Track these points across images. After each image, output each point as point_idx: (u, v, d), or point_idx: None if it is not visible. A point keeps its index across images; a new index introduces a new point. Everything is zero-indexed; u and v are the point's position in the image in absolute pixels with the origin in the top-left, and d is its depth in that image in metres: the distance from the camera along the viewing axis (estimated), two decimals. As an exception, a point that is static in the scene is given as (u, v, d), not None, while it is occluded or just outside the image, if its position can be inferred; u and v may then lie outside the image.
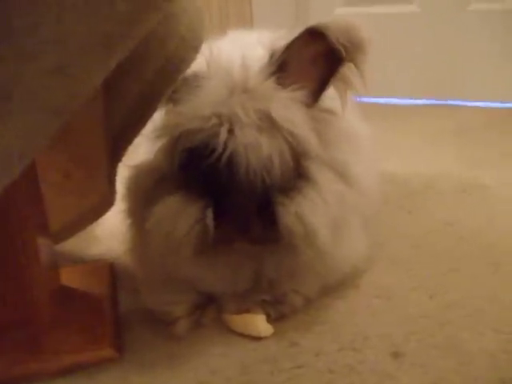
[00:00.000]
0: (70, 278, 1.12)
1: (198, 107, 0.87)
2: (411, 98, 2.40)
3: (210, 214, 0.86)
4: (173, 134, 0.89)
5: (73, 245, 1.30)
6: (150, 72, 0.87)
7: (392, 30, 2.38)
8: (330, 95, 0.98)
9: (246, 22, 2.40)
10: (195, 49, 0.86)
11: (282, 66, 0.92)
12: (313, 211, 0.88)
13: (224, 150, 0.84)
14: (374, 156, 1.21)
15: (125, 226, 1.04)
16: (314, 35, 0.90)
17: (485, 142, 1.86)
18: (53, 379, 0.89)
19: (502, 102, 2.22)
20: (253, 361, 0.89)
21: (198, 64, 0.96)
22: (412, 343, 0.89)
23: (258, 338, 0.94)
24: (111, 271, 1.19)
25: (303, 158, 0.91)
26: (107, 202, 1.16)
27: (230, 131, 0.85)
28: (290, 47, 0.92)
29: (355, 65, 0.93)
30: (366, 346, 0.90)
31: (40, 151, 0.75)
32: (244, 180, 0.85)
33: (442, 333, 0.91)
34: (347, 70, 0.94)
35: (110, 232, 1.33)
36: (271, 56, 0.93)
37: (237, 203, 0.85)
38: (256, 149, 0.84)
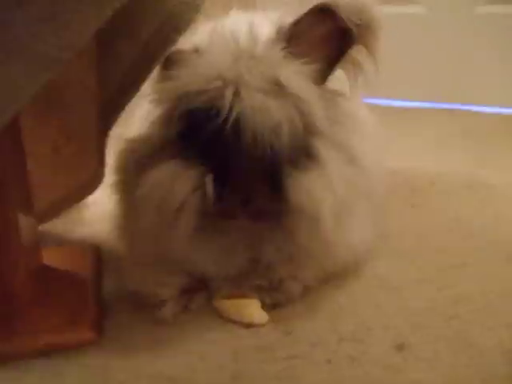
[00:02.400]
0: (54, 258, 1.05)
1: (201, 69, 0.81)
2: (415, 101, 2.34)
3: (209, 180, 0.79)
4: (172, 98, 0.82)
5: (61, 226, 1.24)
6: (146, 31, 0.81)
7: (397, 31, 2.32)
8: (339, 77, 0.93)
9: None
10: (196, 8, 0.80)
11: (290, 42, 0.85)
12: (321, 190, 0.82)
13: (230, 111, 0.77)
14: (380, 143, 1.15)
15: (113, 201, 0.97)
16: (324, 12, 0.84)
17: (491, 144, 1.80)
18: (28, 360, 0.82)
19: (508, 108, 2.17)
20: (245, 348, 0.82)
21: (199, 39, 0.90)
22: (419, 336, 0.82)
23: (251, 325, 0.87)
24: (97, 254, 1.12)
25: (311, 134, 0.85)
26: (97, 178, 1.09)
27: (236, 93, 0.78)
28: (298, 23, 0.86)
29: (366, 47, 0.87)
30: (369, 337, 0.83)
31: (20, 109, 0.69)
32: (250, 145, 0.78)
33: (451, 327, 0.84)
34: (357, 52, 0.89)
35: (100, 215, 1.26)
36: (278, 31, 0.87)
37: (241, 171, 0.79)
38: (264, 112, 0.78)
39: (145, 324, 0.89)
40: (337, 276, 0.97)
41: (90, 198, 1.23)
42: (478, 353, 0.78)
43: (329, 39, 0.86)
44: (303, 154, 0.84)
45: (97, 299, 0.96)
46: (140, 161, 0.88)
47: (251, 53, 0.83)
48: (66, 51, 0.66)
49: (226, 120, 0.78)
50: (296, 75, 0.82)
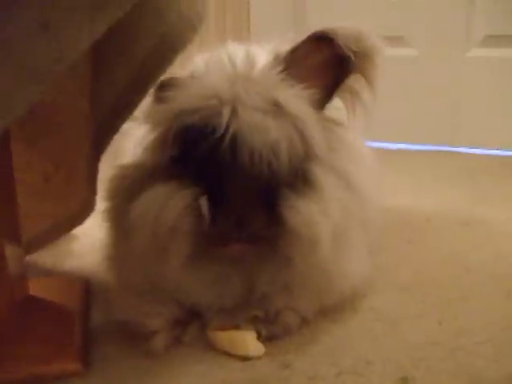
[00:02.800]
0: (41, 289, 1.02)
1: (197, 90, 0.79)
2: (409, 143, 2.34)
3: (204, 201, 0.76)
4: (167, 119, 0.80)
5: (51, 257, 1.21)
6: (142, 51, 0.80)
7: (390, 73, 2.34)
8: (337, 106, 0.92)
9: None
10: (193, 28, 0.79)
11: (287, 68, 0.84)
12: (318, 214, 0.79)
13: (226, 129, 0.75)
14: (377, 177, 1.14)
15: (104, 229, 0.94)
16: (322, 40, 0.84)
17: (487, 184, 1.80)
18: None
19: (499, 149, 2.18)
20: (240, 382, 0.78)
21: (195, 66, 0.89)
22: (421, 370, 0.79)
23: (246, 358, 0.83)
24: (86, 285, 1.08)
25: (309, 157, 0.83)
26: (88, 207, 1.07)
27: (233, 111, 0.76)
28: (295, 50, 0.85)
29: (364, 75, 0.87)
30: (370, 371, 0.79)
31: (7, 125, 0.67)
32: (247, 163, 0.76)
33: (454, 360, 0.81)
34: (355, 81, 0.88)
35: (90, 246, 1.23)
36: (276, 58, 0.86)
37: (236, 191, 0.76)
38: (262, 130, 0.75)
39: (133, 356, 0.85)
40: (334, 309, 0.94)
41: (81, 229, 1.20)
42: (485, 386, 0.74)
43: (326, 67, 0.85)
44: (301, 178, 0.81)
45: (83, 330, 0.92)
46: (131, 187, 0.85)
47: (248, 76, 0.82)
48: (58, 64, 0.64)
49: (222, 137, 0.75)
50: (294, 97, 0.80)
